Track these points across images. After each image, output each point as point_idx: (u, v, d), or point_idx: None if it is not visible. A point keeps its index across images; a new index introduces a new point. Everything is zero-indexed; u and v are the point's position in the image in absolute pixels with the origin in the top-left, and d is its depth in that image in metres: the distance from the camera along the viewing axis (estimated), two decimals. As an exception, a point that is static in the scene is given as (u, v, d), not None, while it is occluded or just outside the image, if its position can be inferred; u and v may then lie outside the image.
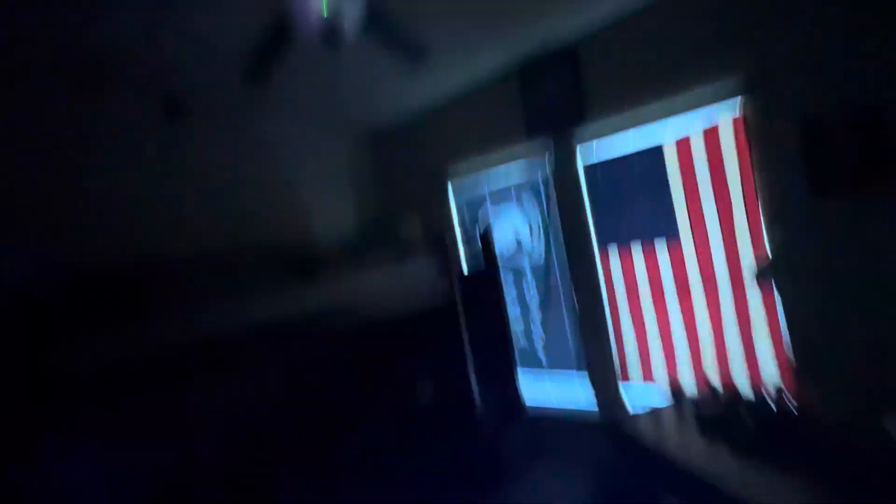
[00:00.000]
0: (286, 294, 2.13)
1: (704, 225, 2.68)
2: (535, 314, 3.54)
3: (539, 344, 3.56)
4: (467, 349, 2.97)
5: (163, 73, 2.59)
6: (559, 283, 3.37)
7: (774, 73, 2.36)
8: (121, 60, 2.44)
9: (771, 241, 2.43)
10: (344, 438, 2.73)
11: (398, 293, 2.66)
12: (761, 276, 2.36)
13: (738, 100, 2.49)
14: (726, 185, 2.58)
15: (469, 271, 3.66)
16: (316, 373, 3.24)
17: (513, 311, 3.61)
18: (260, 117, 3.39)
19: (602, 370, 3.13)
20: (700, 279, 2.72)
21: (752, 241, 2.54)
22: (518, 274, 3.59)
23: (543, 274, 3.43)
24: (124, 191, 2.68)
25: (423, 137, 3.98)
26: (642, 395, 3.00)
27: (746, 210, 2.54)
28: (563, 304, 3.36)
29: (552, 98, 3.11)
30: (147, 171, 2.78)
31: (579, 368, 3.31)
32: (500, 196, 3.61)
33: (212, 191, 3.06)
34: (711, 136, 2.61)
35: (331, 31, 1.54)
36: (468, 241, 3.75)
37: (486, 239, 3.28)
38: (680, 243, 2.76)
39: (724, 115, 2.55)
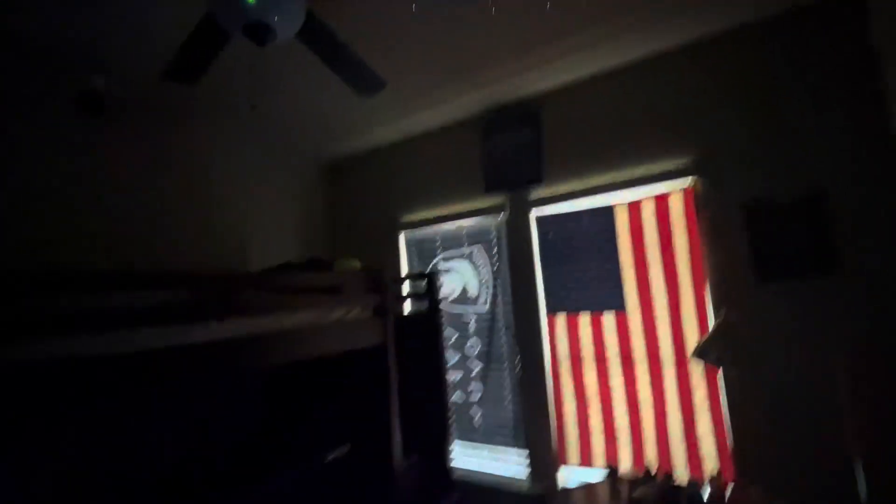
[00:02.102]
0: (202, 325, 1.81)
1: (651, 297, 2.59)
2: (475, 368, 3.30)
3: (476, 412, 3.29)
4: (394, 397, 2.68)
5: (82, 62, 2.33)
6: (503, 341, 3.17)
7: (721, 157, 2.41)
8: (36, 42, 2.18)
9: (716, 321, 2.35)
10: (248, 496, 2.35)
11: (328, 332, 2.38)
12: (704, 356, 2.25)
13: (687, 178, 2.50)
14: (673, 253, 2.53)
15: (409, 313, 3.42)
16: (226, 413, 2.87)
17: (451, 356, 3.36)
18: (193, 124, 3.12)
19: (540, 450, 2.90)
20: (645, 355, 2.60)
21: (698, 319, 2.46)
22: (461, 324, 3.37)
23: (487, 327, 3.23)
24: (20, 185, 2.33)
25: (376, 175, 3.85)
26: (579, 475, 2.78)
27: (693, 285, 2.48)
28: (506, 365, 3.14)
29: (510, 154, 3.07)
30: (52, 168, 2.44)
31: (517, 445, 3.06)
32: (452, 244, 3.44)
33: (125, 201, 2.72)
34: (662, 202, 2.58)
35: (256, 24, 1.37)
36: (413, 283, 3.53)
37: (432, 282, 3.08)
38: (627, 316, 2.65)
39: (675, 186, 2.54)
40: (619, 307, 2.65)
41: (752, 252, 2.29)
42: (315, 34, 1.67)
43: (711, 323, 2.39)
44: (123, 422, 2.34)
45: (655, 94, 2.60)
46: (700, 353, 2.27)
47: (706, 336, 2.30)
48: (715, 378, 2.41)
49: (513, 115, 3.07)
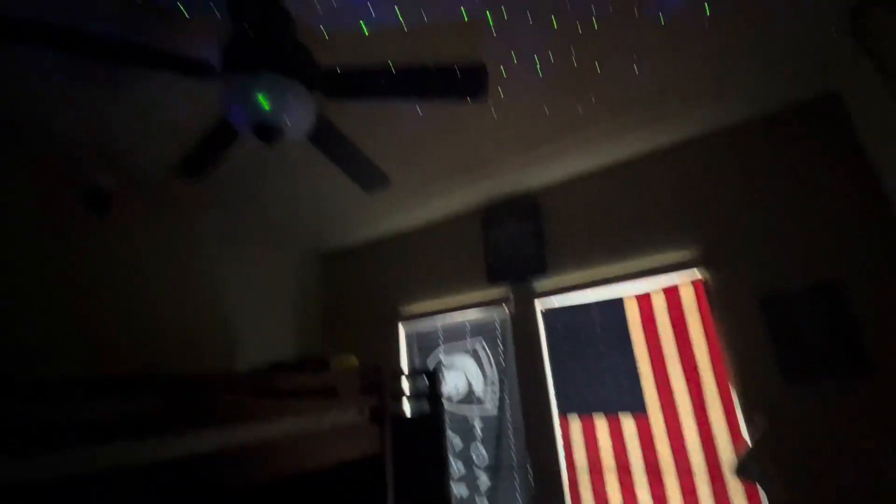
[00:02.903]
0: (177, 438, 1.61)
1: (673, 398, 2.39)
2: (482, 479, 2.95)
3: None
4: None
5: (89, 160, 2.38)
6: (512, 448, 2.87)
7: (728, 249, 2.38)
8: (44, 136, 2.24)
9: (753, 431, 2.13)
10: None
11: (319, 441, 2.14)
12: (745, 473, 2.00)
13: (695, 270, 2.46)
14: (691, 348, 2.39)
15: (410, 414, 3.14)
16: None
17: (455, 466, 3.02)
18: (194, 219, 3.15)
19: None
20: (674, 465, 2.33)
21: (727, 423, 2.24)
22: (466, 427, 3.09)
23: (495, 433, 2.95)
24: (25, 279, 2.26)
25: (375, 265, 3.82)
26: None
27: (717, 385, 2.29)
28: (517, 479, 2.82)
29: (513, 245, 3.07)
30: (57, 261, 2.39)
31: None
32: (455, 337, 3.29)
33: (126, 295, 2.65)
34: (672, 294, 2.50)
35: (268, 127, 1.39)
36: (414, 381, 3.31)
37: (434, 380, 2.86)
38: (648, 419, 2.43)
39: (684, 278, 2.48)
40: (639, 409, 2.43)
41: (774, 349, 2.16)
42: (324, 135, 1.71)
43: (743, 429, 2.17)
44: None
45: (658, 186, 2.65)
46: (741, 469, 2.01)
47: (746, 450, 2.06)
48: (756, 495, 2.12)
49: (514, 207, 3.11)
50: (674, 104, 2.29)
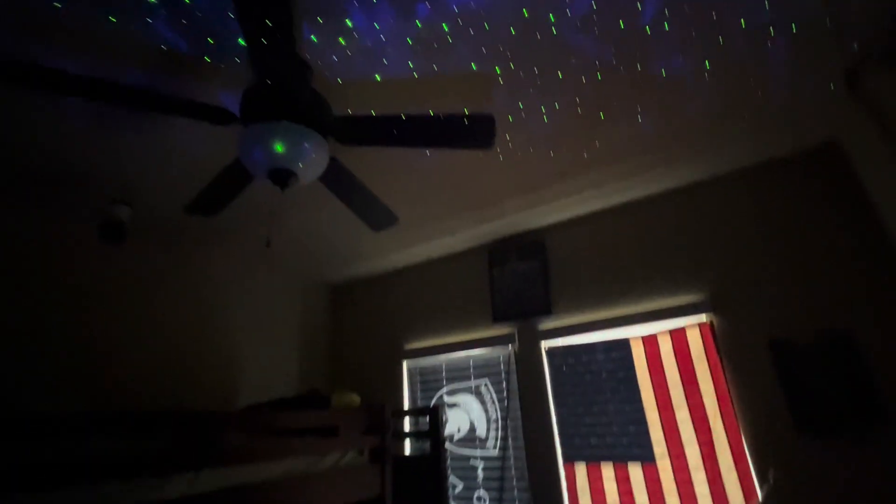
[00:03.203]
0: (175, 478, 1.58)
1: (682, 446, 2.32)
2: (484, 525, 2.85)
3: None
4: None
5: (106, 192, 2.45)
6: (515, 493, 2.78)
7: (736, 294, 2.37)
8: (64, 170, 2.31)
9: (761, 482, 2.07)
10: None
11: (318, 482, 2.09)
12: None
13: (702, 315, 2.44)
14: (699, 394, 2.34)
15: (410, 454, 3.08)
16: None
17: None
18: (204, 251, 3.20)
19: None
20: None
21: (738, 475, 2.16)
22: (468, 469, 3.00)
23: (498, 475, 2.86)
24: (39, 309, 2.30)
25: (380, 300, 3.83)
26: None
27: (727, 433, 2.23)
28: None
29: (518, 284, 3.08)
30: (66, 292, 2.44)
31: None
32: (459, 376, 3.24)
33: (132, 328, 2.68)
34: (679, 337, 2.47)
35: (283, 172, 1.44)
36: (415, 420, 3.25)
37: (436, 420, 2.81)
38: (657, 469, 2.35)
39: (691, 321, 2.46)
40: (647, 458, 2.36)
41: (785, 398, 2.11)
42: (336, 177, 1.77)
43: (755, 480, 2.10)
44: None
45: (666, 228, 2.66)
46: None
47: (758, 503, 1.99)
48: (771, 552, 2.03)
49: (520, 246, 3.14)
50: (677, 151, 2.34)
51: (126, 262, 2.72)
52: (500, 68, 1.75)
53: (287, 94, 1.45)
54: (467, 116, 1.45)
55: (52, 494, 1.21)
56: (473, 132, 1.48)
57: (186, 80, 1.70)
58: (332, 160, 1.67)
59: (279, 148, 1.38)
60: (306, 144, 1.41)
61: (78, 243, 2.51)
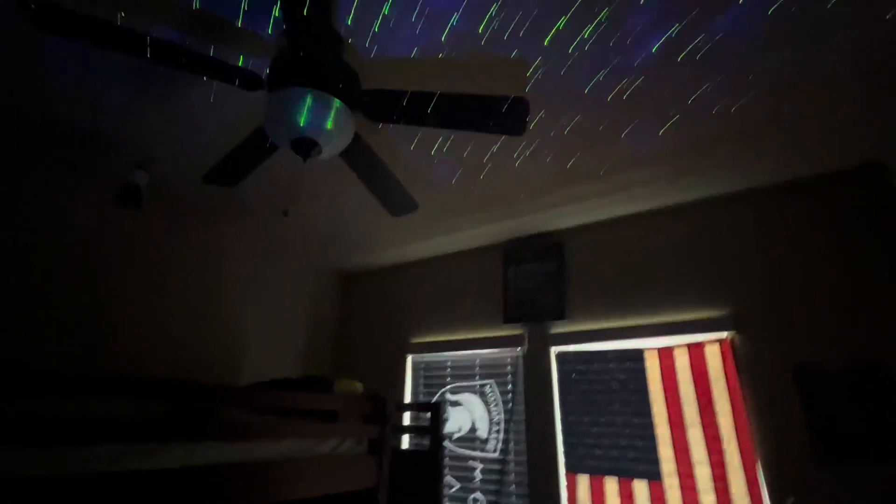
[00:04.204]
0: (173, 447, 1.55)
1: (692, 467, 2.22)
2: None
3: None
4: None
5: (124, 157, 2.44)
6: (513, 499, 2.70)
7: (759, 314, 2.28)
8: (84, 133, 2.30)
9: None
10: None
11: (314, 468, 2.05)
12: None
13: (723, 332, 2.35)
14: (714, 414, 2.24)
15: (408, 448, 3.02)
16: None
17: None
18: (221, 229, 3.18)
19: None
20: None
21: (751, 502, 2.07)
22: (465, 470, 2.93)
23: (496, 479, 2.79)
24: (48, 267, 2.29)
25: (390, 290, 3.78)
26: None
27: (741, 458, 2.13)
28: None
29: (533, 285, 3.00)
30: (78, 256, 2.43)
31: None
32: (464, 375, 3.17)
33: (140, 296, 2.66)
34: (696, 352, 2.38)
35: (306, 143, 1.40)
36: (416, 415, 3.20)
37: (437, 416, 2.75)
38: (663, 488, 2.25)
39: (711, 337, 2.37)
40: (654, 476, 2.27)
41: (807, 426, 2.01)
42: (358, 154, 1.72)
43: (769, 510, 2.00)
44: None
45: (690, 239, 2.57)
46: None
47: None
48: (779, 586, 1.93)
49: (537, 246, 3.06)
50: (709, 161, 2.26)
51: (140, 229, 2.70)
52: (540, 59, 1.69)
53: (317, 62, 1.41)
54: (501, 99, 1.39)
55: (45, 451, 1.18)
56: (507, 116, 1.42)
57: (214, 43, 1.67)
58: (357, 136, 1.63)
59: (305, 115, 1.33)
60: (333, 114, 1.37)
61: (94, 206, 2.50)
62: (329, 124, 1.38)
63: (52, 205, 2.36)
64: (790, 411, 2.06)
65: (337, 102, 1.39)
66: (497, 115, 1.42)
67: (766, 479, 2.05)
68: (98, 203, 2.50)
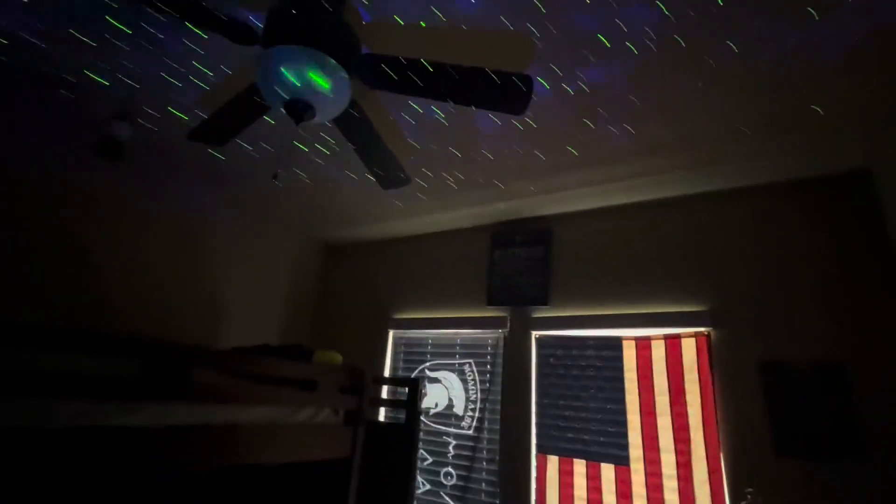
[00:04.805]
0: (146, 406, 1.52)
1: (658, 453, 2.29)
2: (445, 500, 2.84)
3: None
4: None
5: (107, 107, 2.33)
6: (483, 475, 2.77)
7: (736, 312, 2.33)
8: (68, 82, 2.19)
9: (732, 499, 2.06)
10: None
11: (289, 436, 2.05)
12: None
13: (702, 326, 2.40)
14: (684, 405, 2.31)
15: (384, 421, 3.06)
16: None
17: (421, 484, 2.91)
18: (203, 190, 3.09)
19: None
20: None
21: (711, 488, 2.15)
22: (439, 445, 2.98)
23: (468, 455, 2.84)
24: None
25: (375, 264, 3.75)
26: None
27: (706, 447, 2.21)
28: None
29: (518, 269, 3.01)
30: (57, 208, 2.33)
31: None
32: (444, 353, 3.20)
33: (120, 252, 2.58)
34: (673, 345, 2.43)
35: (300, 104, 1.35)
36: (394, 390, 3.22)
37: (414, 391, 2.78)
38: (630, 472, 2.33)
39: (688, 330, 2.42)
40: (621, 461, 2.34)
41: (769, 419, 2.09)
42: (353, 121, 1.67)
43: (727, 499, 2.09)
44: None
45: (674, 234, 2.60)
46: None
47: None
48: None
49: (524, 231, 3.07)
50: (703, 156, 2.27)
51: (120, 183, 2.60)
52: (541, 34, 1.64)
53: (315, 20, 1.34)
54: (504, 73, 1.36)
55: (11, 402, 1.14)
56: (508, 92, 1.39)
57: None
58: (353, 103, 1.58)
59: (300, 75, 1.28)
60: (329, 76, 1.31)
61: (74, 156, 2.39)
62: (325, 87, 1.33)
63: (26, 152, 2.25)
64: (755, 407, 2.14)
65: (334, 64, 1.34)
66: (500, 91, 1.39)
67: (727, 469, 2.14)
68: (79, 152, 2.39)
